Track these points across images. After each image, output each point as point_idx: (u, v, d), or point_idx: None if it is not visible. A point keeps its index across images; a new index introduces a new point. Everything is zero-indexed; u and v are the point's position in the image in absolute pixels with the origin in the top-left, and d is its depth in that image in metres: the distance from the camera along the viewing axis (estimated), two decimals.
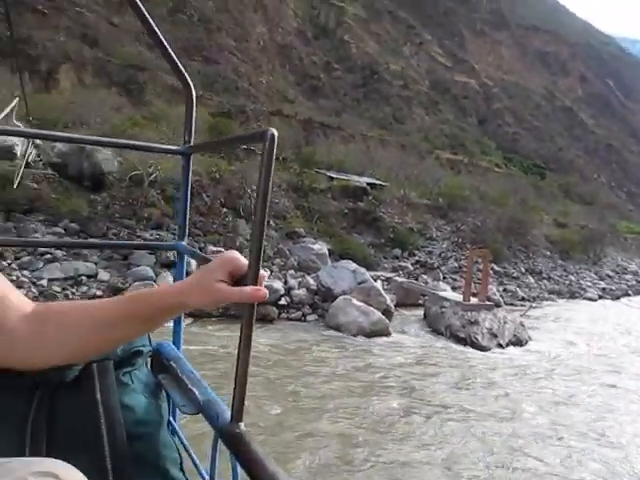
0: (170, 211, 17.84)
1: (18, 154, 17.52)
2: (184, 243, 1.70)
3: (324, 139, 38.03)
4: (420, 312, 16.91)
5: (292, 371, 10.26)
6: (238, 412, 0.94)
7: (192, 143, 1.72)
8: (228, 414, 0.97)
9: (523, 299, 22.74)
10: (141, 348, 1.21)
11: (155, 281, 15.48)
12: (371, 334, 13.75)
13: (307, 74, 52.97)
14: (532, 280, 25.87)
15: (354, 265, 16.76)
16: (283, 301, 15.62)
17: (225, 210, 19.22)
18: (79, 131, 20.38)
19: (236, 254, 0.88)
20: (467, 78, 69.02)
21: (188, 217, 1.74)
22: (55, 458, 0.83)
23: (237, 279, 0.87)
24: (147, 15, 1.62)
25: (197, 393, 1.12)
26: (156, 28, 1.64)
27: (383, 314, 14.69)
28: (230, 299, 0.85)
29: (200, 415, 1.09)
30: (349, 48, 60.25)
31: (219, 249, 17.05)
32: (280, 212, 20.83)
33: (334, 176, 27.04)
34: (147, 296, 0.88)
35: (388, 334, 14.05)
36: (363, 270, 16.59)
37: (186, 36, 43.22)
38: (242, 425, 0.93)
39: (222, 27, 48.10)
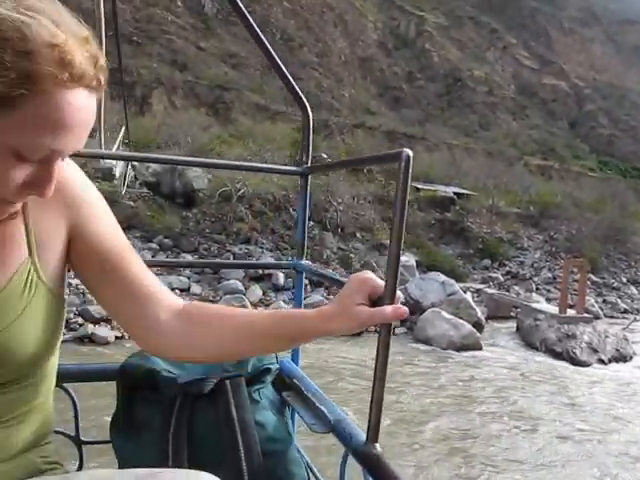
0: (258, 226, 18.28)
1: (117, 175, 18.64)
2: (303, 262, 1.71)
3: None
4: (512, 325, 16.25)
5: (391, 383, 10.15)
6: (374, 432, 0.91)
7: (309, 163, 1.74)
8: (362, 434, 0.96)
9: (625, 311, 21.33)
10: (269, 366, 1.24)
11: (244, 294, 15.86)
12: (462, 348, 13.36)
13: (389, 85, 52.92)
14: (635, 291, 24.24)
15: (443, 277, 16.41)
16: None
17: (312, 224, 19.46)
18: (171, 150, 21.38)
19: (371, 274, 0.87)
20: (556, 80, 66.36)
21: (307, 236, 1.76)
22: (195, 469, 0.86)
23: (374, 300, 0.86)
24: (264, 39, 1.66)
25: (326, 412, 1.12)
26: (273, 52, 1.68)
27: (474, 327, 14.25)
28: (373, 321, 0.84)
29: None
30: (431, 57, 59.66)
31: (307, 262, 17.26)
32: (366, 224, 20.82)
33: (420, 187, 26.69)
34: (296, 317, 0.89)
35: (480, 348, 13.59)
36: (452, 282, 16.20)
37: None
38: (378, 446, 0.91)
39: (304, 44, 49.11)
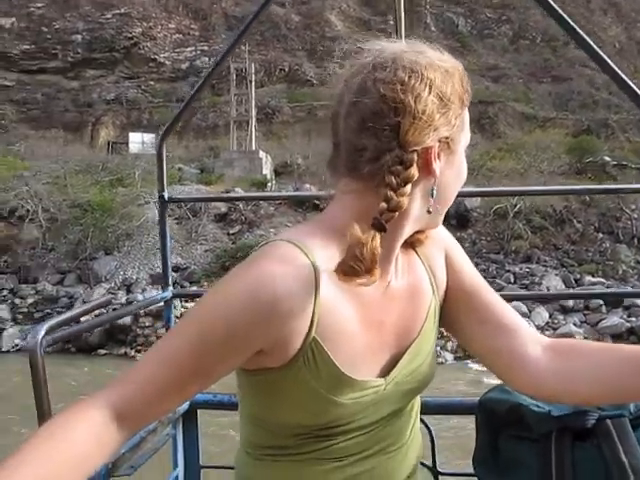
0: (539, 242, 17.10)
1: None
2: None
3: None
4: None
5: None
6: None
7: None
8: None
9: None
10: None
11: (529, 317, 15.02)
12: None
13: None
14: None
15: None
16: None
17: (601, 235, 17.50)
18: None
19: None
20: None
21: None
22: None
23: None
24: (599, 51, 1.61)
25: None
26: (610, 62, 1.62)
27: None
28: None
29: None
30: None
31: (599, 280, 15.51)
32: None
33: None
34: None
35: None
36: None
37: (531, 60, 42.20)
38: None
39: (569, 41, 45.42)
